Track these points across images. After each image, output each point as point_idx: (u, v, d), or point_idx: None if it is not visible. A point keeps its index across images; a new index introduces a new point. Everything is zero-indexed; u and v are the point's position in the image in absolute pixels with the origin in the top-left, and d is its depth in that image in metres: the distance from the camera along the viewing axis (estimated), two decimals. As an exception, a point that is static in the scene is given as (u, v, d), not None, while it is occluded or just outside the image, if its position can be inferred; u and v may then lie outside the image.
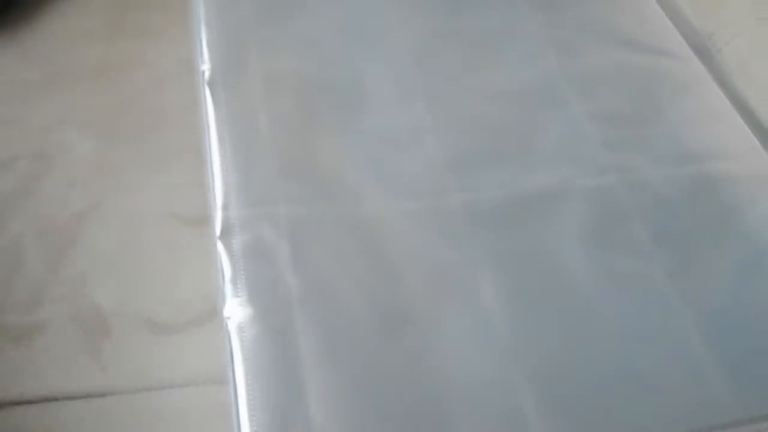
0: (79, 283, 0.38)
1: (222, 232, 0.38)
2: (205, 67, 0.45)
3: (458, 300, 0.37)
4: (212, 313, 0.36)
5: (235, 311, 0.35)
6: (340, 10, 0.51)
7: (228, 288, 0.36)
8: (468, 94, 0.47)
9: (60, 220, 0.41)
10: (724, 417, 0.36)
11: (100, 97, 0.47)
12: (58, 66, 0.49)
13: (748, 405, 0.36)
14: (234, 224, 0.38)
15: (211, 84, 0.44)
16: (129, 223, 0.40)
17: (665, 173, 0.44)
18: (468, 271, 0.38)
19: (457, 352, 0.36)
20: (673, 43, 0.52)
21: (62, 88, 0.47)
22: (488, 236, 0.40)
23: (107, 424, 0.35)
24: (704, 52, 0.52)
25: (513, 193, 0.42)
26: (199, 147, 0.42)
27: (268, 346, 0.34)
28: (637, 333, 0.37)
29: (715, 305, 0.39)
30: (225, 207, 0.39)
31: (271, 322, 0.35)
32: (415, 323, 0.36)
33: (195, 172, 0.42)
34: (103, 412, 0.35)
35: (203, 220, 0.40)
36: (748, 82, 0.50)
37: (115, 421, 0.35)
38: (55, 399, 0.35)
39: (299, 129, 0.43)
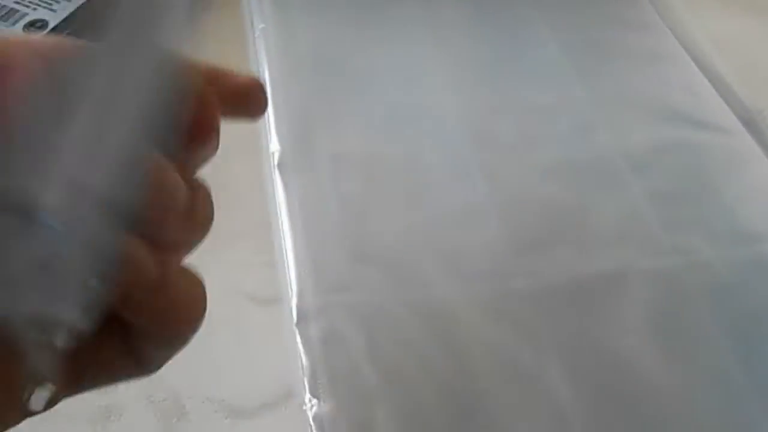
0: (154, 364, 0.39)
1: (298, 319, 0.38)
2: (274, 149, 0.46)
3: (528, 391, 0.37)
4: (287, 397, 0.37)
5: (315, 401, 0.35)
6: (399, 86, 0.52)
7: (307, 377, 0.36)
8: (524, 170, 0.48)
9: (133, 298, 0.41)
10: None
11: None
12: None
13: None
14: (310, 312, 0.39)
15: (280, 166, 0.45)
16: (200, 303, 0.41)
17: (725, 254, 0.44)
18: (537, 362, 0.38)
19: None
20: (722, 117, 0.53)
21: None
22: (554, 323, 0.40)
23: None
24: (755, 127, 0.52)
25: (575, 277, 0.42)
26: (266, 224, 0.43)
27: (349, 438, 0.35)
28: (708, 421, 0.37)
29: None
30: (300, 294, 0.39)
31: (351, 413, 0.35)
32: (487, 415, 0.36)
33: (264, 251, 0.43)
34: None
35: (273, 300, 0.40)
36: (802, 160, 0.50)
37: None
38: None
39: (367, 210, 0.44)
